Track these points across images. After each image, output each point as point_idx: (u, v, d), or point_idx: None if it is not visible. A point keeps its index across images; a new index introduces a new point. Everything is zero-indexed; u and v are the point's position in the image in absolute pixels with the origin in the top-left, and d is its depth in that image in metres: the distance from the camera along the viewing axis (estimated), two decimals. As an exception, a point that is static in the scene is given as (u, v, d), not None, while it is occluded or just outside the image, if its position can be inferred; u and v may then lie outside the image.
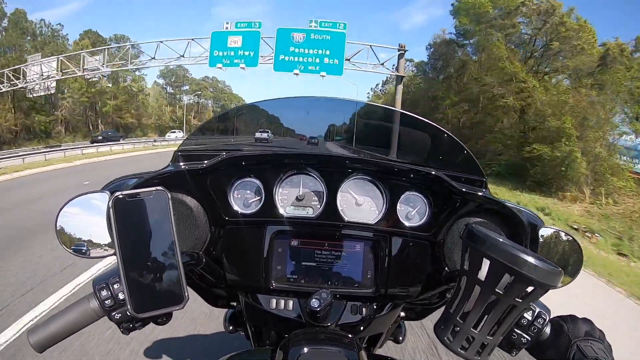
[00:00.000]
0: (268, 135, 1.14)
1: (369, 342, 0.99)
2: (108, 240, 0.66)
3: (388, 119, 1.11)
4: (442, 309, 0.64)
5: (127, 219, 0.51)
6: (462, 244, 0.60)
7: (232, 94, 70.43)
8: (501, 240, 0.53)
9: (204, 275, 0.83)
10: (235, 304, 1.03)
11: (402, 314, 0.99)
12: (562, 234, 0.78)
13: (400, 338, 1.11)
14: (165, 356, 2.42)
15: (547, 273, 0.50)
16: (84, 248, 0.67)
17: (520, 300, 0.53)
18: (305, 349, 0.59)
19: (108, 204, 0.50)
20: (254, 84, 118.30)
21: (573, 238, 0.79)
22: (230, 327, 1.10)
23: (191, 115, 58.78)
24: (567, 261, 0.78)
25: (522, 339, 0.59)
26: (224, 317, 1.12)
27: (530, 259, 0.50)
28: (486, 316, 0.56)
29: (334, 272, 0.81)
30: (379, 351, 1.02)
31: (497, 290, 0.53)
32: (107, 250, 0.67)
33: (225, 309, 1.09)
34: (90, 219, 0.67)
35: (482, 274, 0.55)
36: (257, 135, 1.14)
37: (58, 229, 0.66)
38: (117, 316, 0.55)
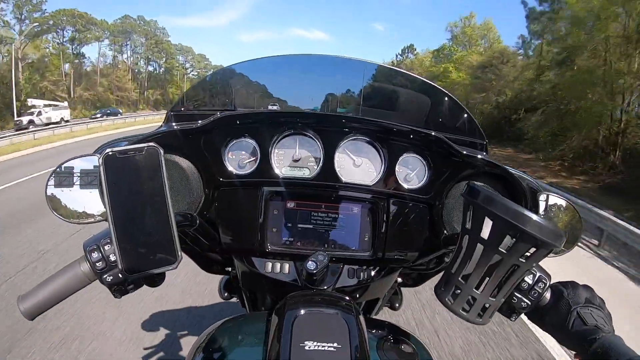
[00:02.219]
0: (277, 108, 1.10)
1: (365, 307, 0.99)
2: (100, 203, 0.64)
3: (389, 80, 1.07)
4: (438, 277, 0.63)
5: (118, 177, 0.48)
6: (463, 202, 0.58)
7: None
8: (504, 198, 0.52)
9: (198, 239, 0.81)
10: (229, 269, 1.02)
11: (399, 279, 0.98)
12: (562, 201, 0.78)
13: (397, 305, 1.11)
14: (162, 328, 2.46)
15: (551, 232, 0.49)
16: (76, 213, 0.65)
17: (524, 261, 0.52)
18: (302, 311, 0.58)
19: (98, 162, 0.48)
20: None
21: (573, 206, 0.78)
22: (225, 294, 1.10)
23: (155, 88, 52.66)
24: (566, 228, 0.77)
25: (522, 303, 0.58)
26: (219, 284, 1.12)
27: (535, 217, 0.49)
28: (488, 277, 0.55)
29: (330, 234, 0.80)
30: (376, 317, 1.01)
31: (500, 249, 0.52)
32: (99, 213, 0.65)
33: (220, 275, 1.09)
34: (82, 183, 0.65)
35: (484, 232, 0.54)
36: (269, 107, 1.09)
37: (48, 194, 0.65)
38: (109, 279, 0.53)
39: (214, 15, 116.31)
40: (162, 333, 2.42)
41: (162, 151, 0.50)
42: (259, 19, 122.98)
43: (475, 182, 0.58)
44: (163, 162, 0.50)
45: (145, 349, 2.29)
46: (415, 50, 50.16)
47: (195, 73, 62.14)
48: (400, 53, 51.39)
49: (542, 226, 0.49)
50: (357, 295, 0.84)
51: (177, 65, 57.64)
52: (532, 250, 0.52)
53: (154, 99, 50.97)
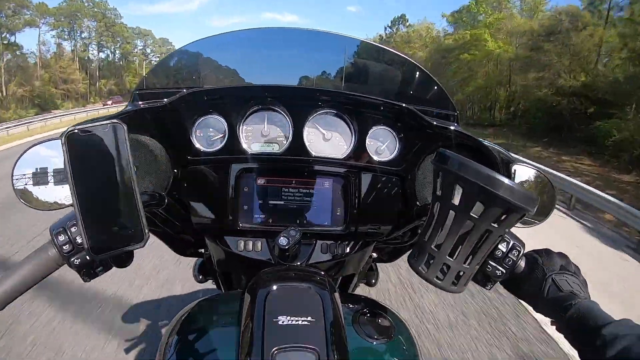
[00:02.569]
0: None
1: (341, 283, 0.99)
2: (67, 188, 0.61)
3: (357, 52, 1.06)
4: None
5: (82, 155, 0.47)
6: (433, 169, 0.58)
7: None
8: (475, 162, 0.51)
9: (169, 220, 0.80)
10: (203, 251, 1.01)
11: (374, 255, 0.98)
12: (535, 172, 0.77)
13: (373, 281, 1.11)
14: (142, 319, 2.45)
15: (522, 196, 0.48)
16: (44, 200, 0.64)
17: (496, 226, 0.52)
18: (274, 287, 0.57)
19: (61, 141, 0.46)
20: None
21: (547, 177, 0.78)
22: (200, 277, 1.09)
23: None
24: (540, 199, 0.79)
25: (496, 271, 0.58)
26: (193, 267, 1.11)
27: (506, 181, 0.48)
28: (461, 244, 0.54)
29: (302, 210, 0.79)
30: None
31: (472, 214, 0.51)
32: (67, 198, 0.63)
33: (194, 257, 1.08)
34: (48, 169, 0.64)
35: (456, 199, 0.53)
36: None
37: (15, 184, 0.63)
38: (77, 261, 0.52)
39: (184, 1, 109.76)
40: (143, 324, 2.41)
41: (126, 128, 0.49)
42: (230, 3, 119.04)
43: (446, 149, 0.57)
44: (127, 138, 0.49)
45: (127, 340, 2.27)
46: (408, 21, 45.17)
47: (157, 59, 56.61)
48: (389, 25, 46.92)
49: (514, 190, 0.48)
50: (332, 271, 0.84)
51: (135, 50, 52.85)
52: (504, 215, 0.51)
53: (108, 89, 45.78)
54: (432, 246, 0.56)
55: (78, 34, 45.52)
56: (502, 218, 0.52)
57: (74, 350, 2.24)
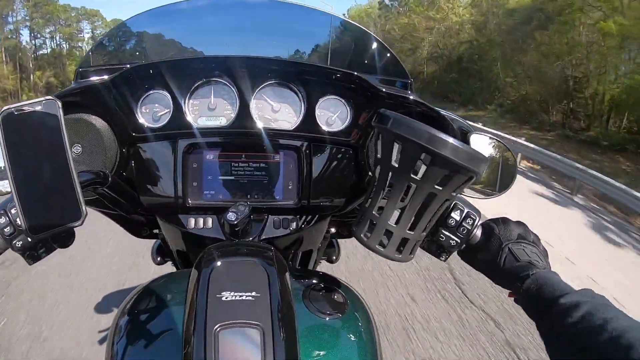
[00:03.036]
0: None
1: (301, 261, 0.98)
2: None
3: (306, 21, 1.04)
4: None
5: (17, 135, 0.47)
6: (374, 131, 0.56)
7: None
8: (416, 121, 0.49)
9: (119, 201, 0.78)
10: (157, 231, 0.98)
11: (333, 230, 0.97)
12: (495, 142, 0.76)
13: (334, 257, 1.10)
14: (115, 309, 2.43)
15: (467, 155, 0.46)
16: None
17: (440, 188, 0.50)
18: (219, 263, 0.55)
19: None
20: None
21: (507, 147, 0.76)
22: (158, 259, 1.08)
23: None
24: (500, 171, 0.74)
25: (450, 241, 0.57)
26: (152, 249, 1.10)
27: (450, 140, 0.46)
28: (404, 209, 0.52)
29: (253, 184, 0.78)
30: None
31: (412, 176, 0.50)
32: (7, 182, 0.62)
33: (151, 239, 1.05)
34: None
35: (396, 160, 0.51)
36: None
37: None
38: (19, 244, 0.53)
39: None
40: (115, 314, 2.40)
41: (60, 104, 0.48)
42: None
43: (387, 110, 0.54)
44: (62, 115, 0.48)
45: (101, 331, 2.26)
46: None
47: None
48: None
49: (457, 149, 0.46)
50: (291, 248, 0.82)
51: (81, 35, 43.86)
52: (449, 178, 0.49)
53: (45, 82, 37.54)
54: (374, 212, 0.55)
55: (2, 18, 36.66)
56: (447, 180, 0.50)
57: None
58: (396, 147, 0.51)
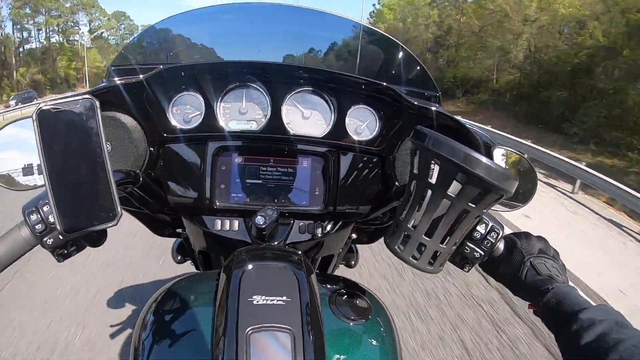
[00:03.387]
0: None
1: (321, 265, 0.98)
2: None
3: (339, 30, 1.04)
4: None
5: (53, 133, 0.46)
6: (411, 147, 0.57)
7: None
8: (453, 140, 0.50)
9: (146, 200, 0.79)
10: (180, 231, 0.99)
11: (354, 235, 0.98)
12: (517, 157, 0.77)
13: (353, 262, 1.11)
14: (127, 304, 2.46)
15: (500, 175, 0.48)
16: (17, 179, 0.63)
17: (473, 206, 0.51)
18: (250, 266, 0.56)
19: (32, 118, 0.46)
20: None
21: (528, 162, 0.78)
22: (179, 257, 1.09)
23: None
24: (520, 185, 0.75)
25: (475, 253, 0.58)
26: (172, 247, 1.10)
27: (484, 160, 0.47)
28: (438, 224, 0.54)
29: (280, 189, 0.79)
30: None
31: (448, 194, 0.51)
32: (40, 176, 0.63)
33: (173, 238, 1.07)
34: (20, 148, 0.64)
35: (433, 178, 0.52)
36: None
37: None
38: (50, 241, 0.53)
39: None
40: (128, 309, 2.42)
41: (97, 104, 0.48)
42: None
43: (424, 126, 0.56)
44: (99, 114, 0.48)
45: (112, 326, 2.28)
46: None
47: (114, 38, 47.17)
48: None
49: (491, 169, 0.48)
50: (311, 252, 0.83)
51: (77, 27, 40.84)
52: (482, 195, 0.51)
53: (30, 80, 33.24)
54: (409, 225, 0.56)
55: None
56: (480, 198, 0.51)
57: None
58: (434, 165, 0.52)
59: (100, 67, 40.37)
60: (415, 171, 0.56)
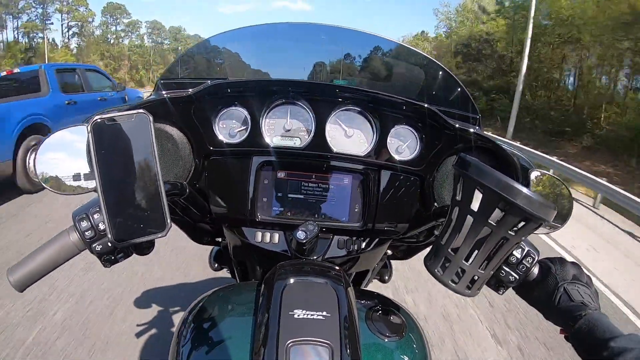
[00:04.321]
0: None
1: (355, 279, 0.99)
2: (90, 174, 0.64)
3: (381, 51, 1.06)
4: (427, 250, 0.63)
5: (107, 144, 0.48)
6: (454, 173, 0.59)
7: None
8: (495, 170, 0.52)
9: (189, 209, 0.81)
10: (220, 240, 1.02)
11: (389, 252, 0.99)
12: (553, 180, 0.78)
13: (387, 277, 1.12)
14: (154, 305, 2.51)
15: (541, 206, 0.49)
16: (67, 184, 0.65)
17: (513, 234, 0.53)
18: (291, 280, 0.58)
19: (87, 129, 0.48)
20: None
21: (564, 184, 0.79)
22: (216, 265, 1.12)
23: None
24: (557, 205, 0.77)
25: (510, 277, 0.59)
26: (209, 255, 1.13)
27: (525, 190, 0.49)
28: (477, 249, 0.55)
29: (321, 205, 0.80)
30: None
31: (489, 222, 0.52)
32: (90, 183, 0.65)
33: (211, 246, 1.09)
34: (71, 154, 0.66)
35: (474, 205, 0.54)
36: None
37: (38, 167, 0.64)
38: (98, 248, 0.54)
39: None
40: (154, 309, 2.46)
41: (151, 118, 0.50)
42: None
43: (467, 154, 0.57)
44: (153, 129, 0.50)
45: (138, 325, 2.34)
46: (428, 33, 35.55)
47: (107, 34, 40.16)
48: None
49: (532, 199, 0.49)
50: (347, 266, 0.84)
51: (49, 22, 33.38)
52: (522, 223, 0.52)
53: None
54: (449, 250, 0.57)
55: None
56: (520, 226, 0.52)
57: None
58: (477, 194, 0.54)
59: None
60: (458, 197, 0.57)
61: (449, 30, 29.14)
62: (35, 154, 0.65)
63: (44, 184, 0.65)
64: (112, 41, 43.69)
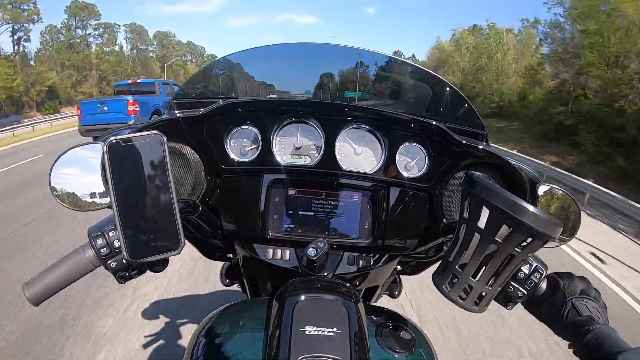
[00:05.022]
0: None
1: (365, 294, 1.00)
2: (104, 191, 0.65)
3: (389, 69, 1.08)
4: (436, 265, 0.64)
5: (122, 164, 0.50)
6: (461, 191, 0.59)
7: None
8: (501, 188, 0.53)
9: (201, 226, 0.83)
10: (231, 256, 1.04)
11: (399, 267, 0.99)
12: (561, 193, 0.79)
13: (396, 292, 1.12)
14: (162, 316, 2.52)
15: (546, 223, 0.50)
16: (80, 200, 0.66)
17: (519, 250, 0.53)
18: (302, 297, 0.59)
19: (102, 150, 0.49)
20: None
21: (572, 198, 0.79)
22: (227, 280, 1.12)
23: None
24: (565, 221, 0.77)
25: (518, 292, 0.60)
26: (221, 270, 1.14)
27: (531, 208, 0.49)
28: (484, 266, 0.56)
29: (331, 222, 0.81)
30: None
31: (496, 239, 0.53)
32: (103, 201, 0.66)
33: (222, 261, 1.10)
34: (85, 171, 0.66)
35: (482, 222, 0.54)
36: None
37: (52, 183, 0.65)
38: (113, 264, 0.55)
39: (204, 1, 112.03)
40: (161, 321, 2.47)
41: (165, 139, 0.52)
42: (246, 3, 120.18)
43: (474, 172, 0.58)
44: (167, 150, 0.52)
45: (146, 336, 2.34)
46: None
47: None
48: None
49: (538, 217, 0.50)
50: (357, 282, 0.85)
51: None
52: (528, 240, 0.53)
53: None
54: (457, 267, 0.58)
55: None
56: (526, 243, 0.53)
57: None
58: (483, 212, 0.54)
59: (11, 86, 26.68)
60: (465, 215, 0.58)
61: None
62: (50, 171, 0.66)
63: (58, 200, 0.66)
64: (81, 47, 38.49)
